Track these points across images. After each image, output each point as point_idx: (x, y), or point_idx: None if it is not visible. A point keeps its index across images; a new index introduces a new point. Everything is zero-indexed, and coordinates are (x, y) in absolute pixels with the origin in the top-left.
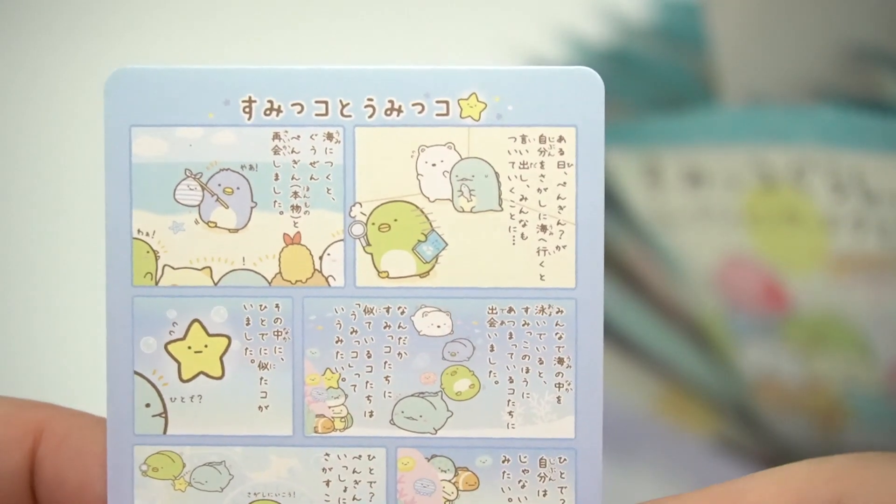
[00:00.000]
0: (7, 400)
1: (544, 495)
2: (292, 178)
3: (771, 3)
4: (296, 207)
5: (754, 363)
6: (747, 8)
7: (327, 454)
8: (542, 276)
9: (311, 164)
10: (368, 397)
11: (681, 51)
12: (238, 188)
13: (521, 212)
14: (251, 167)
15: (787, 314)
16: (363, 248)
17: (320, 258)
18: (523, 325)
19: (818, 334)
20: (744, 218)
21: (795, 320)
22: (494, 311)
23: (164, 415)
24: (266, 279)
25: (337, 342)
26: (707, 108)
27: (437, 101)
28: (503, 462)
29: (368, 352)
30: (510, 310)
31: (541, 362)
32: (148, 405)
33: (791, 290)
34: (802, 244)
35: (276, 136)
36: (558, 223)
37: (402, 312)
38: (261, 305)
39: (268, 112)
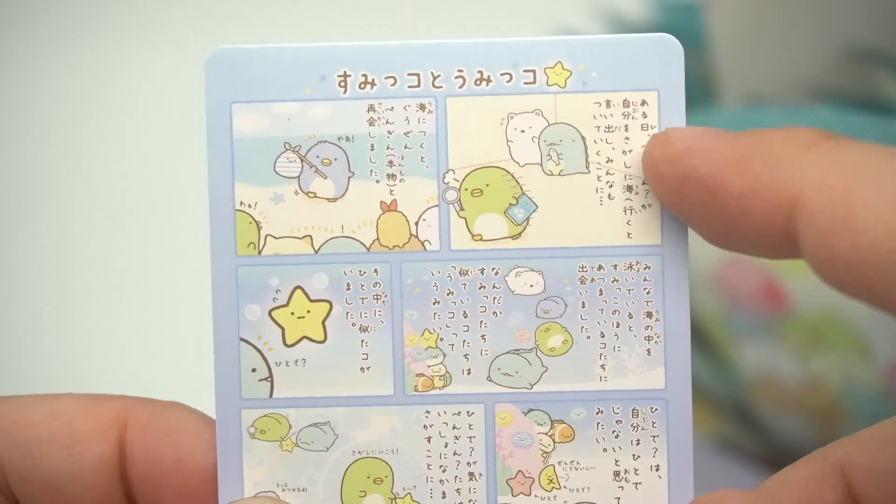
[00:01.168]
0: (82, 395)
1: (637, 444)
2: (387, 147)
3: (771, 4)
4: (391, 176)
5: (754, 363)
6: (747, 8)
7: (427, 412)
8: (629, 234)
9: (404, 133)
10: (466, 356)
11: None
12: (335, 159)
13: (607, 173)
14: (347, 139)
15: (787, 314)
16: (457, 212)
17: (416, 224)
18: (612, 281)
19: (817, 334)
20: None
21: (794, 320)
22: (584, 269)
23: (269, 379)
24: (364, 245)
25: (434, 304)
26: (707, 109)
27: (525, 71)
28: (597, 414)
29: (465, 312)
30: (599, 267)
31: (630, 317)
32: (254, 370)
33: (790, 290)
34: None
35: (371, 108)
36: (643, 183)
37: (496, 273)
38: (360, 271)
39: (362, 85)
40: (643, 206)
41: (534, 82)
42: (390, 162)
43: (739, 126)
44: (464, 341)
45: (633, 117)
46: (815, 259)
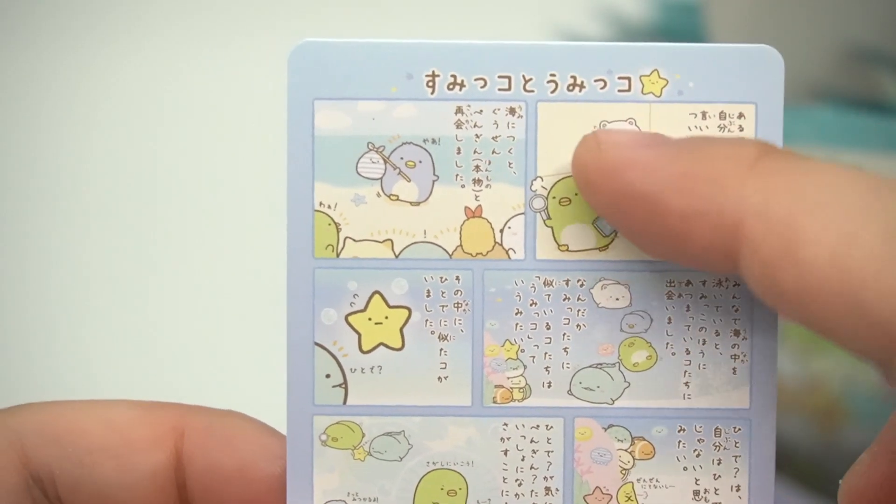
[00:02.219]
0: (136, 403)
1: (719, 464)
2: (474, 151)
3: (771, 4)
4: (477, 181)
5: None
6: (747, 8)
7: (505, 424)
8: None
9: (493, 138)
10: (547, 368)
11: None
12: (420, 161)
13: None
14: (433, 141)
15: None
16: (543, 221)
17: (501, 231)
18: (700, 297)
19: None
20: None
21: None
22: (672, 284)
23: (343, 385)
24: (447, 252)
25: (516, 314)
26: None
27: (620, 78)
28: (679, 432)
29: (547, 323)
30: (688, 283)
31: (717, 334)
32: (328, 376)
33: None
34: None
35: (459, 109)
36: None
37: (582, 285)
38: (441, 278)
39: (451, 86)
40: None
41: (629, 90)
42: (477, 167)
43: None
44: (545, 353)
45: (728, 129)
46: (758, 287)
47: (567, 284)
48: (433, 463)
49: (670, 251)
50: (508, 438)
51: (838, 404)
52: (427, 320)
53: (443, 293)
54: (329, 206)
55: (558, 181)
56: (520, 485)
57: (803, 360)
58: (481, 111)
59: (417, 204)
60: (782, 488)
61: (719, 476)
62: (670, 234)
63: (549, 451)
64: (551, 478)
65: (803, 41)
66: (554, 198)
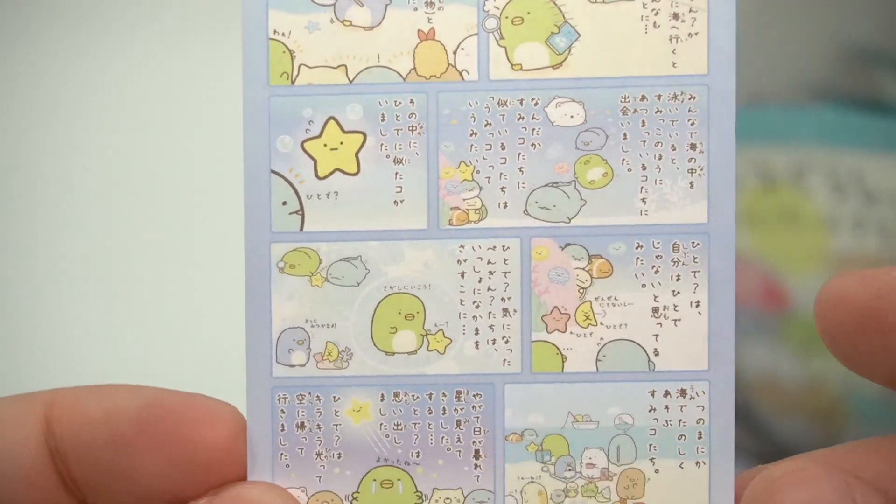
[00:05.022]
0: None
1: (678, 280)
2: None
3: (771, 4)
4: (430, 3)
5: (754, 363)
6: (747, 8)
7: (462, 246)
8: (674, 64)
9: None
10: (502, 188)
11: None
12: None
13: (652, 0)
14: None
15: (787, 314)
16: (497, 41)
17: (454, 53)
18: (656, 112)
19: (817, 334)
20: (744, 218)
21: (795, 320)
22: (627, 100)
23: (300, 212)
24: (401, 75)
25: (471, 135)
26: None
27: None
28: (636, 248)
29: (502, 144)
30: (643, 98)
31: (673, 149)
32: (284, 203)
33: (790, 290)
34: (802, 244)
35: None
36: (690, 10)
37: (536, 104)
38: (395, 101)
39: None
40: (689, 34)
41: None
42: None
43: (739, 126)
44: (501, 174)
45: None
46: None
47: (521, 104)
48: (390, 287)
49: None
50: (465, 260)
51: (838, 404)
52: (382, 144)
53: (397, 117)
54: (283, 34)
55: (511, 1)
56: (477, 307)
57: (803, 360)
58: None
59: (371, 28)
60: None
61: (678, 292)
62: None
63: (506, 273)
64: (509, 299)
65: (803, 41)
66: (507, 17)
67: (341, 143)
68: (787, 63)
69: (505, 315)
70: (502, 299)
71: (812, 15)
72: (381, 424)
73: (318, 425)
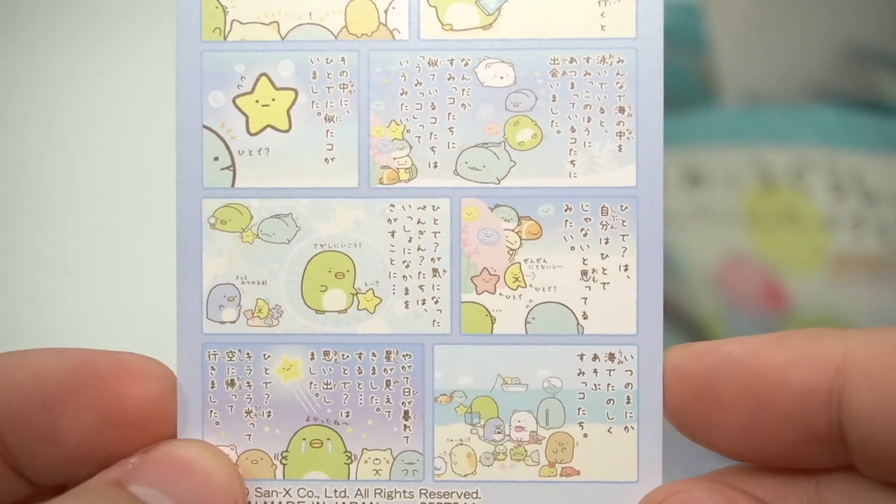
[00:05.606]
0: None
1: (606, 243)
2: None
3: (771, 4)
4: None
5: None
6: (747, 8)
7: (392, 205)
8: (602, 27)
9: None
10: (433, 148)
11: (681, 51)
12: None
13: None
14: None
15: (787, 314)
16: (427, 1)
17: (385, 12)
18: (585, 74)
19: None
20: (744, 218)
21: (795, 320)
22: (556, 62)
23: (232, 168)
24: (332, 33)
25: (402, 94)
26: (707, 109)
27: None
28: (565, 211)
29: (433, 103)
30: (571, 60)
31: (602, 111)
32: (216, 158)
33: (790, 290)
34: (802, 244)
35: None
36: None
37: (466, 64)
38: (327, 59)
39: None
40: None
41: None
42: None
43: (739, 126)
44: (431, 133)
45: None
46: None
47: (451, 64)
48: (321, 245)
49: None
50: (395, 220)
51: None
52: (313, 102)
53: (329, 74)
54: None
55: None
56: (407, 266)
57: None
58: None
59: None
60: None
61: (607, 255)
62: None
63: (435, 233)
64: (438, 259)
65: (803, 41)
66: None
67: (273, 99)
68: (787, 63)
69: (435, 275)
70: (432, 259)
71: (812, 15)
72: (310, 383)
73: (248, 383)
